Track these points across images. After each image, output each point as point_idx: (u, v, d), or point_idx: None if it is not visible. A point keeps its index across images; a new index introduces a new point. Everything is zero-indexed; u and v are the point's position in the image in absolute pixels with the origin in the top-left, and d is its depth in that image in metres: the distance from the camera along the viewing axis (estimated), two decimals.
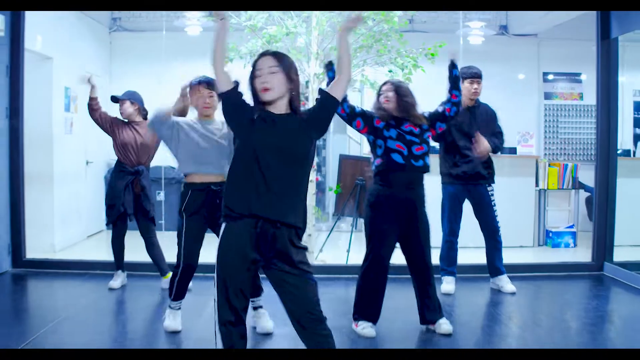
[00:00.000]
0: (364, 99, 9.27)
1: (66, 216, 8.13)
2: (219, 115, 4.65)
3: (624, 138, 9.71)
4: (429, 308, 4.85)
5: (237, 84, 3.26)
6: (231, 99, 3.25)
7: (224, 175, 4.43)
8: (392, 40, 6.93)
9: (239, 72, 6.21)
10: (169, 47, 8.63)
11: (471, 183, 5.93)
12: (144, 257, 6.27)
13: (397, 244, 4.82)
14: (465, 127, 5.90)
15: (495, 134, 6.04)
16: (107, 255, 6.46)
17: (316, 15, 6.76)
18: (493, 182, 6.05)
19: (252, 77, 3.26)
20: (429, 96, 5.34)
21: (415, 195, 4.71)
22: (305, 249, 3.30)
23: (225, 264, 3.18)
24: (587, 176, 9.21)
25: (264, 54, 3.31)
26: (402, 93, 4.75)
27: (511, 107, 9.24)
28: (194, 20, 8.57)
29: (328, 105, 3.35)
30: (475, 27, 9.00)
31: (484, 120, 6.01)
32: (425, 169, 4.72)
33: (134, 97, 6.17)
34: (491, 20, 9.59)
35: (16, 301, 5.92)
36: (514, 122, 8.93)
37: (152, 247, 6.09)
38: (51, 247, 7.71)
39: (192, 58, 8.92)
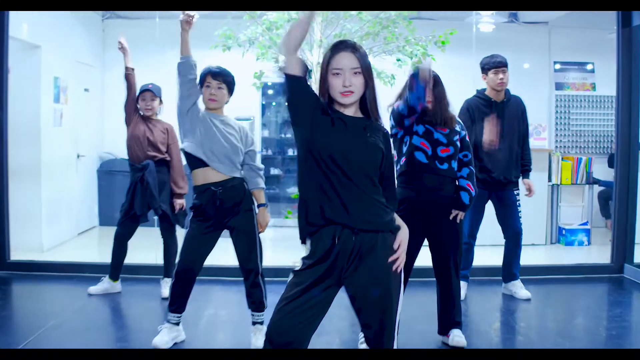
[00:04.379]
0: None
1: (55, 213, 7.73)
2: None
3: None
4: (448, 319, 4.46)
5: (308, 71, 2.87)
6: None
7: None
8: (399, 27, 6.54)
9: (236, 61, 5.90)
10: (165, 34, 8.21)
11: (498, 189, 5.52)
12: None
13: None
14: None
15: (524, 142, 5.69)
16: (99, 254, 6.04)
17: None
18: (517, 186, 5.67)
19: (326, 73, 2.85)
20: None
21: (442, 198, 4.28)
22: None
23: None
24: (599, 170, 8.88)
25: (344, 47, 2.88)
26: (440, 94, 4.26)
27: (522, 98, 8.86)
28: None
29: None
30: (485, 13, 8.59)
31: (513, 118, 5.58)
32: (451, 172, 4.28)
33: (161, 94, 5.71)
34: None
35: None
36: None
37: (164, 248, 5.70)
38: (39, 246, 7.31)
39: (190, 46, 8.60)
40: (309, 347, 2.82)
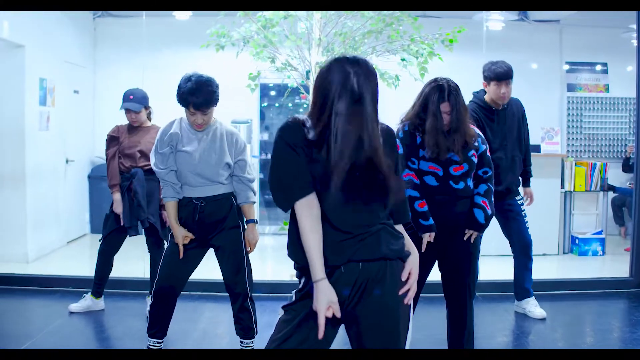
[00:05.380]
0: None
1: (42, 221, 7.33)
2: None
3: None
4: (457, 341, 4.03)
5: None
6: None
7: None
8: (404, 24, 6.14)
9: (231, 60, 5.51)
10: (157, 33, 7.86)
11: (499, 201, 5.03)
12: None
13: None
14: (493, 135, 5.01)
15: (526, 147, 5.28)
16: (90, 264, 5.65)
17: None
18: (519, 194, 5.26)
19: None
20: None
21: (455, 215, 3.84)
22: None
23: None
24: (613, 175, 8.47)
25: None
26: (460, 116, 3.74)
27: (532, 100, 8.42)
28: None
29: None
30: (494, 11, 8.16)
31: (513, 124, 5.17)
32: (466, 191, 3.84)
33: (146, 101, 5.26)
34: None
35: None
36: (536, 116, 8.12)
37: (151, 263, 5.22)
38: (24, 257, 6.93)
39: (182, 45, 8.24)
40: None
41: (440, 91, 3.72)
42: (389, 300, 2.38)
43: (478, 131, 3.98)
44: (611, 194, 8.42)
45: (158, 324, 3.96)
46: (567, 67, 9.36)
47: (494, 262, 6.32)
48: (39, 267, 6.79)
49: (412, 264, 2.46)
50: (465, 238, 3.85)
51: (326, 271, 2.33)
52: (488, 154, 3.96)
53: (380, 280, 2.37)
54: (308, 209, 2.33)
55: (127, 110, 5.17)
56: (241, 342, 4.04)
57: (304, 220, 2.32)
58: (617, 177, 8.80)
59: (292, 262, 2.45)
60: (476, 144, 3.85)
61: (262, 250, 7.97)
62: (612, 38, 9.05)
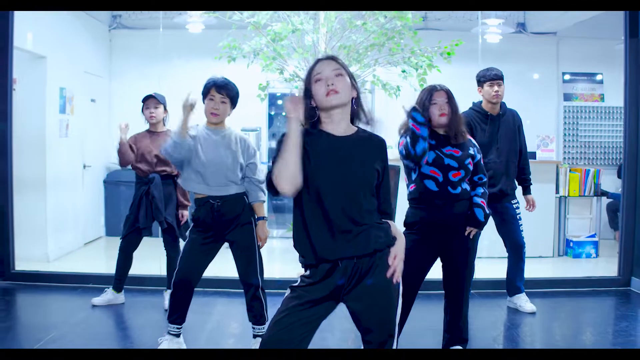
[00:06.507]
0: (374, 101, 8.81)
1: (61, 223, 7.71)
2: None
3: None
4: (454, 335, 4.39)
5: None
6: None
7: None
8: (405, 38, 6.50)
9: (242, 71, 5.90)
10: (171, 45, 8.23)
11: (494, 203, 5.37)
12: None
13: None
14: (488, 141, 5.37)
15: (522, 156, 5.63)
16: (106, 265, 6.02)
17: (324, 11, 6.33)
18: (515, 197, 5.60)
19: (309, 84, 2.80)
20: None
21: (455, 216, 4.17)
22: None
23: None
24: (608, 182, 8.80)
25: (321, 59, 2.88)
26: (455, 107, 4.17)
27: (530, 109, 8.80)
28: (195, 17, 8.08)
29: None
30: (492, 24, 8.51)
31: (508, 131, 5.53)
32: (464, 195, 4.17)
33: (165, 102, 5.64)
34: (508, 17, 9.10)
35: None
36: (533, 125, 8.50)
37: (167, 260, 5.64)
38: (45, 257, 7.30)
39: (195, 57, 8.61)
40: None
41: (431, 88, 4.21)
42: (380, 282, 2.75)
43: (474, 141, 4.35)
44: (604, 199, 8.74)
45: (178, 311, 4.33)
46: (564, 77, 9.70)
47: (489, 263, 6.65)
48: (59, 266, 7.16)
49: (397, 249, 2.81)
50: (465, 234, 4.20)
51: (326, 267, 2.73)
52: (482, 162, 4.32)
53: (372, 268, 2.74)
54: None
55: (147, 104, 5.53)
56: (253, 327, 4.42)
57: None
58: (612, 183, 9.13)
59: (297, 264, 2.82)
60: (472, 152, 4.21)
61: (270, 251, 8.32)
62: (607, 49, 9.35)
